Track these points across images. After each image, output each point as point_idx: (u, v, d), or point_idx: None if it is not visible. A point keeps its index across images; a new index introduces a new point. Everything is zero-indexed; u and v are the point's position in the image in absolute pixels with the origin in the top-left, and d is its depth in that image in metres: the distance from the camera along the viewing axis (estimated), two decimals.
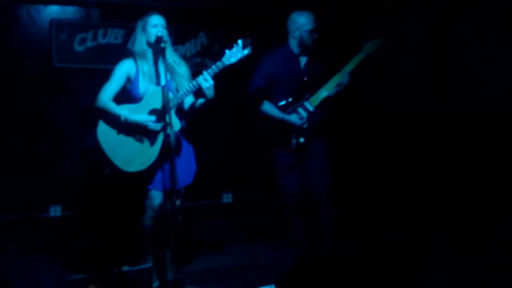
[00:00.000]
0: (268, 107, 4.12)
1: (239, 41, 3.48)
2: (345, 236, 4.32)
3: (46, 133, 5.18)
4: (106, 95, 3.57)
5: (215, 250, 4.60)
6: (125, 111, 3.51)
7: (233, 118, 5.81)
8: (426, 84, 5.31)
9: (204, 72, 3.45)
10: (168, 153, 3.43)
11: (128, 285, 3.03)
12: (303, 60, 4.12)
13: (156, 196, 3.65)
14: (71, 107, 5.22)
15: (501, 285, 3.70)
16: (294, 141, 4.06)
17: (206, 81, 3.43)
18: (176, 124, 3.47)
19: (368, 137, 5.71)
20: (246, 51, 3.47)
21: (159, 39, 3.47)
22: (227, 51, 3.47)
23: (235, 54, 3.46)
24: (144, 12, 3.74)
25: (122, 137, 3.56)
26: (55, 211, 5.27)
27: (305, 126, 4.03)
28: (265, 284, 3.83)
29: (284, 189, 4.19)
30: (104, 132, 3.57)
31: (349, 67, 3.91)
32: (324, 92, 3.98)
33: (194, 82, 3.47)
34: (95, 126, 3.59)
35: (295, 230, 4.26)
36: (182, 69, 3.68)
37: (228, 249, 4.65)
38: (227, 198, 6.02)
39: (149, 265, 3.41)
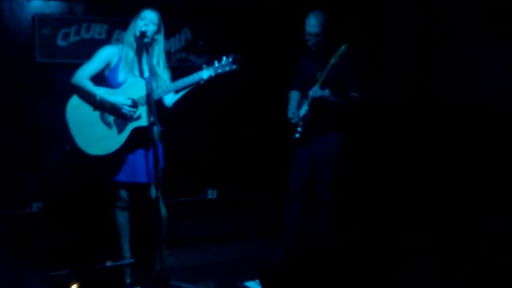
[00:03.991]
0: (290, 95, 4.35)
1: (230, 56, 3.55)
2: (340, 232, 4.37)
3: (29, 129, 5.13)
4: (84, 74, 3.58)
5: (200, 245, 4.60)
6: (102, 91, 3.51)
7: (218, 114, 5.81)
8: (412, 79, 5.35)
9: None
10: (148, 147, 3.43)
11: (111, 281, 3.02)
12: (317, 59, 4.16)
13: (124, 187, 3.66)
14: (54, 103, 5.17)
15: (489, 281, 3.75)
16: (293, 134, 4.16)
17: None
18: (146, 119, 3.47)
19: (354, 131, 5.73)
20: (234, 67, 3.55)
21: (142, 34, 3.47)
22: (216, 62, 3.53)
23: (223, 66, 3.53)
24: (127, 7, 3.74)
25: (91, 118, 3.55)
26: (37, 207, 5.24)
27: (292, 121, 4.12)
28: (249, 280, 3.84)
29: (290, 176, 4.30)
30: (74, 110, 3.56)
31: (319, 82, 3.98)
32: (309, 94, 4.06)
33: (174, 84, 3.52)
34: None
35: (289, 222, 4.33)
36: (165, 73, 3.70)
37: (213, 245, 4.65)
38: (212, 194, 6.01)
39: (132, 260, 3.40)
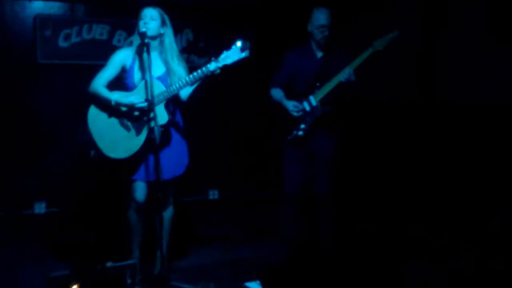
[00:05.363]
0: (274, 92, 4.21)
1: (238, 42, 3.36)
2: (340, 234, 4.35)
3: (30, 130, 5.15)
4: (99, 81, 3.58)
5: (201, 246, 4.59)
6: (115, 96, 3.53)
7: (219, 115, 5.82)
8: (413, 79, 5.35)
9: (196, 72, 3.44)
10: (153, 146, 3.43)
11: (112, 282, 3.01)
12: (319, 55, 4.14)
13: (140, 187, 3.66)
14: (55, 104, 5.20)
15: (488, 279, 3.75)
16: (294, 132, 4.07)
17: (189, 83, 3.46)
18: (163, 117, 3.48)
19: (355, 132, 5.73)
20: (244, 54, 3.37)
21: (142, 34, 3.46)
22: (224, 51, 3.39)
23: (231, 55, 3.37)
24: (127, 7, 3.74)
25: (110, 123, 3.58)
26: (39, 207, 5.26)
27: (294, 114, 4.02)
28: (250, 280, 3.84)
29: (286, 181, 4.22)
30: (94, 117, 3.60)
31: (354, 64, 3.88)
32: (327, 88, 3.99)
33: (183, 80, 3.47)
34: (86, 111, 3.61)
35: (288, 224, 4.28)
36: (180, 69, 3.65)
37: (214, 245, 4.64)
38: (213, 194, 6.02)
39: (132, 261, 3.39)
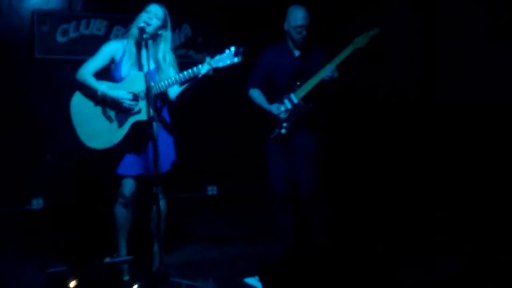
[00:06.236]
0: (254, 94, 4.14)
1: (232, 48, 3.44)
2: (333, 231, 4.33)
3: (28, 126, 5.14)
4: (87, 69, 3.57)
5: (200, 242, 4.59)
6: (103, 86, 3.51)
7: (218, 112, 5.81)
8: (413, 77, 5.34)
9: (185, 72, 3.45)
10: (150, 141, 3.41)
11: (109, 277, 3.01)
12: (297, 54, 4.08)
13: (127, 182, 3.64)
14: (53, 99, 5.18)
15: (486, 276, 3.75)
16: (276, 130, 4.03)
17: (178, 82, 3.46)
18: (145, 113, 3.46)
19: (355, 129, 5.72)
20: (236, 59, 3.43)
21: (141, 29, 3.44)
22: (217, 55, 3.44)
23: (224, 59, 3.43)
24: (126, 3, 3.72)
25: (93, 112, 3.56)
26: (37, 203, 5.25)
27: (281, 116, 3.99)
28: (249, 276, 3.84)
29: (272, 181, 4.16)
30: (77, 104, 3.57)
31: (336, 61, 3.85)
32: (309, 85, 3.96)
33: (172, 78, 3.47)
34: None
35: (281, 223, 4.24)
36: (170, 70, 3.64)
37: (213, 241, 4.64)
38: (212, 190, 6.02)
39: (130, 257, 3.39)
